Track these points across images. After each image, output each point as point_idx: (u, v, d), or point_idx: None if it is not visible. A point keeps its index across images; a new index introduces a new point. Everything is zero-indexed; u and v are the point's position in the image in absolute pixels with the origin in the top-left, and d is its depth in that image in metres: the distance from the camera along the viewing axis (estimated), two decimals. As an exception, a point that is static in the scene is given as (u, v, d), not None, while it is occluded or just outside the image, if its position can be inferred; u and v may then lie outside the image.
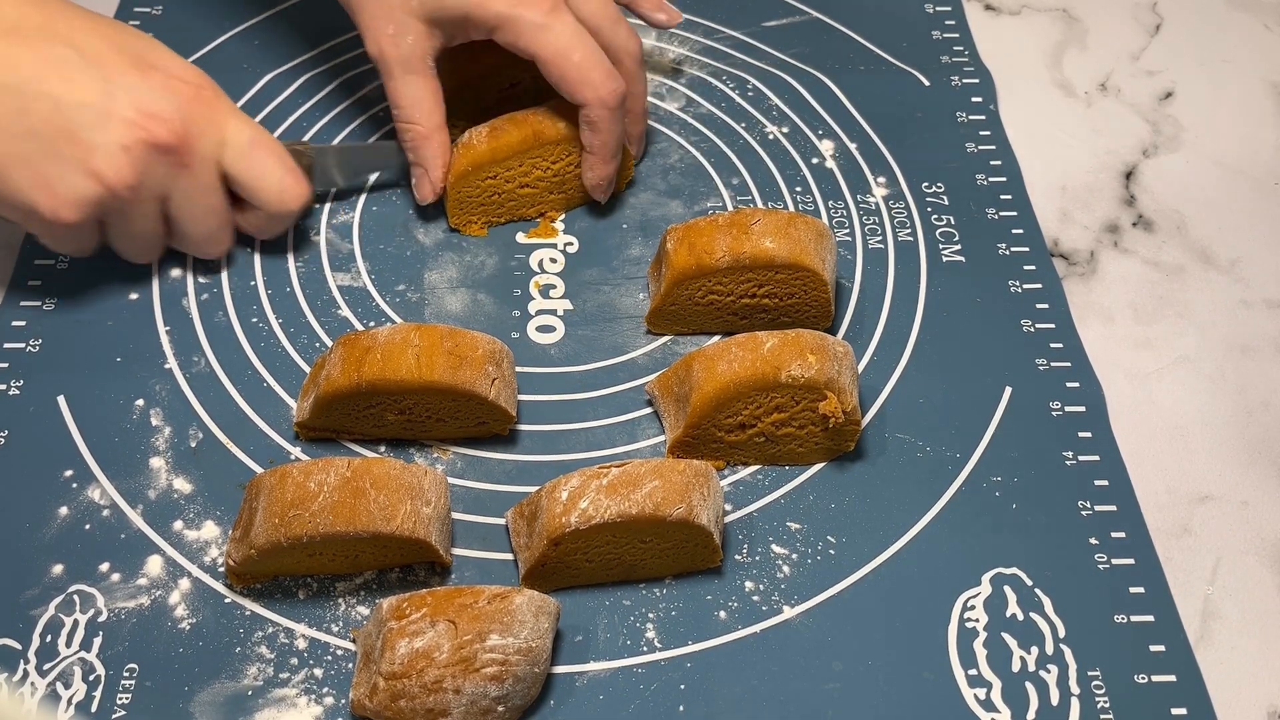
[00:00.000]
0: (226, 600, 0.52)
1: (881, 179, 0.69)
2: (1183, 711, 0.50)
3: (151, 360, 0.59)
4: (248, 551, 0.50)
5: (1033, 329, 0.62)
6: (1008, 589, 0.53)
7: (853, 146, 0.71)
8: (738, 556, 0.54)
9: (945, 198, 0.68)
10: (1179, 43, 0.79)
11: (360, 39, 0.64)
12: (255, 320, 0.61)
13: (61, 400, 0.58)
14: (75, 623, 0.51)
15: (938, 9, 0.80)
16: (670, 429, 0.57)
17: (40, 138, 0.54)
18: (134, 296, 0.62)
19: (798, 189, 0.69)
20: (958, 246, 0.66)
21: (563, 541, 0.50)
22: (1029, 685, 0.51)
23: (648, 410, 0.59)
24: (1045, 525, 0.55)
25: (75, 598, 0.51)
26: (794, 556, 0.54)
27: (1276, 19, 0.80)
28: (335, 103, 0.72)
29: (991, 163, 0.70)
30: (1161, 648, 0.52)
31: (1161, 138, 0.73)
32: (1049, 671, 0.51)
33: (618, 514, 0.50)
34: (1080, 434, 0.58)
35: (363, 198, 0.67)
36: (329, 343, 0.60)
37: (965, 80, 0.75)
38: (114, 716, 0.48)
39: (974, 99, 0.74)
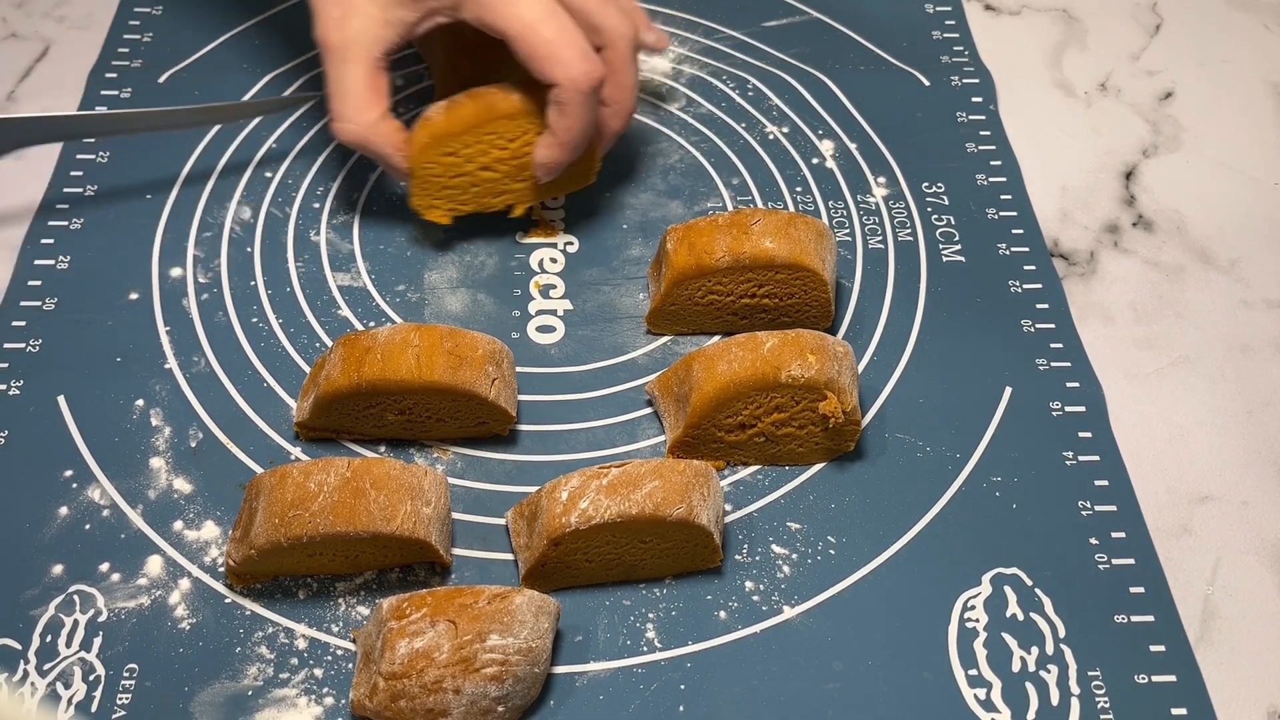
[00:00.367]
0: (226, 600, 0.52)
1: (881, 179, 0.69)
2: (1183, 711, 0.50)
3: (151, 360, 0.59)
4: (248, 551, 0.50)
5: (1033, 329, 0.62)
6: (1008, 589, 0.53)
7: (853, 146, 0.71)
8: (738, 556, 0.54)
9: (945, 198, 0.68)
10: (1179, 43, 0.79)
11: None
12: (255, 320, 0.61)
13: (61, 400, 0.58)
14: (75, 623, 0.51)
15: (938, 9, 0.80)
16: (670, 429, 0.57)
17: None
18: (134, 296, 0.62)
19: (798, 189, 0.69)
20: (958, 246, 0.66)
21: (563, 541, 0.50)
22: (1029, 685, 0.50)
23: (648, 410, 0.59)
24: (1045, 525, 0.55)
25: (75, 598, 0.51)
26: (794, 556, 0.54)
27: (1276, 19, 0.80)
28: (335, 103, 0.72)
29: (991, 163, 0.70)
30: (1161, 648, 0.52)
31: (1161, 138, 0.73)
32: (1049, 671, 0.51)
33: (618, 514, 0.50)
34: (1080, 434, 0.58)
35: (363, 197, 0.67)
36: (329, 343, 0.60)
37: (965, 80, 0.75)
38: (114, 716, 0.48)
39: (974, 99, 0.74)
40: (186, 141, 0.69)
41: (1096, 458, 0.57)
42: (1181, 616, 0.53)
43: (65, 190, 0.66)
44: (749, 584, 0.53)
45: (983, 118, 0.73)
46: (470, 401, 0.55)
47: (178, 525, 0.54)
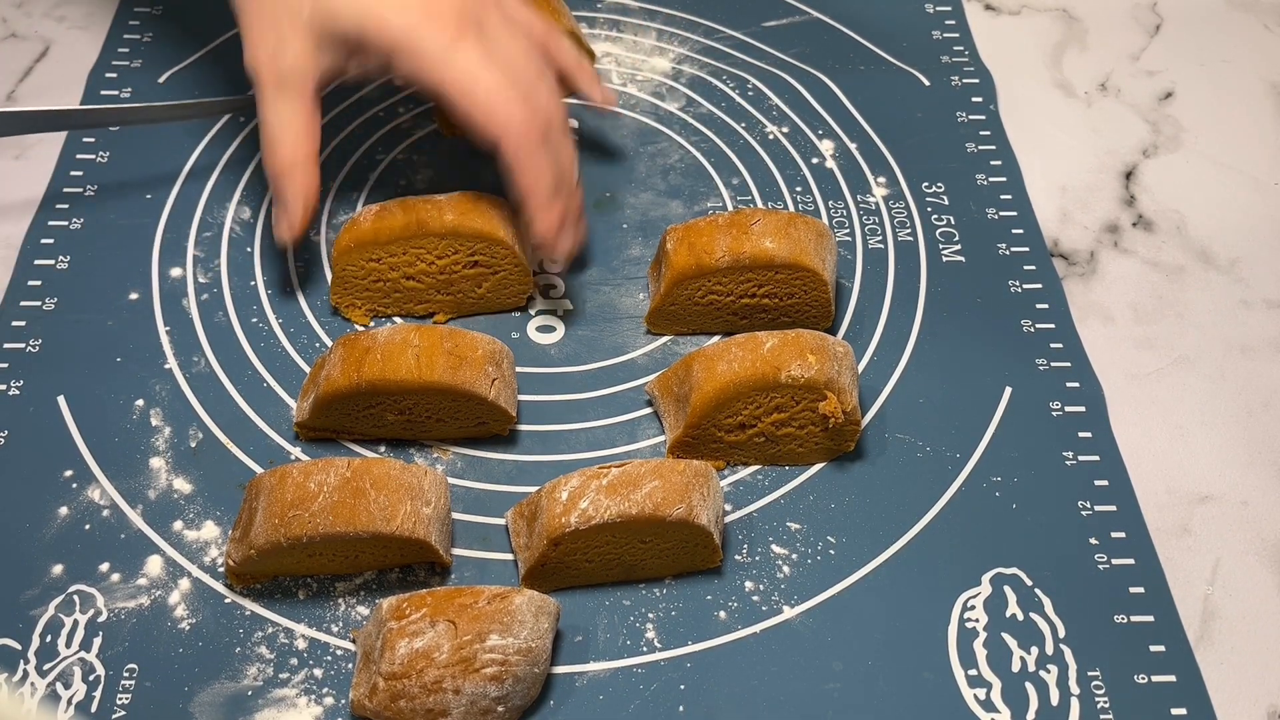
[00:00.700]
0: (226, 600, 0.52)
1: (881, 179, 0.69)
2: (1183, 711, 0.50)
3: (151, 360, 0.59)
4: (248, 551, 0.50)
5: (1033, 329, 0.62)
6: (1008, 589, 0.53)
7: (853, 146, 0.71)
8: (738, 556, 0.54)
9: (945, 198, 0.68)
10: (1179, 43, 0.79)
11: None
12: (255, 320, 0.61)
13: (61, 400, 0.58)
14: (75, 623, 0.51)
15: (938, 9, 0.80)
16: (670, 429, 0.57)
17: None
18: (134, 296, 0.62)
19: (798, 189, 0.69)
20: (958, 246, 0.66)
21: (563, 542, 0.50)
22: (1029, 685, 0.50)
23: (648, 410, 0.59)
24: (1045, 525, 0.55)
25: (75, 598, 0.51)
26: (794, 556, 0.54)
27: (1276, 19, 0.80)
28: (334, 103, 0.71)
29: (991, 163, 0.70)
30: (1161, 648, 0.52)
31: (1161, 138, 0.73)
32: (1049, 671, 0.51)
33: (618, 514, 0.50)
34: (1080, 434, 0.58)
35: (363, 197, 0.67)
36: (329, 343, 0.60)
37: (965, 80, 0.75)
38: (114, 716, 0.48)
39: (974, 99, 0.74)
40: (186, 141, 0.69)
41: (1096, 458, 0.57)
42: (1181, 616, 0.53)
43: (65, 190, 0.66)
44: (749, 584, 0.53)
45: (983, 118, 0.73)
46: (470, 401, 0.55)
47: (178, 525, 0.54)
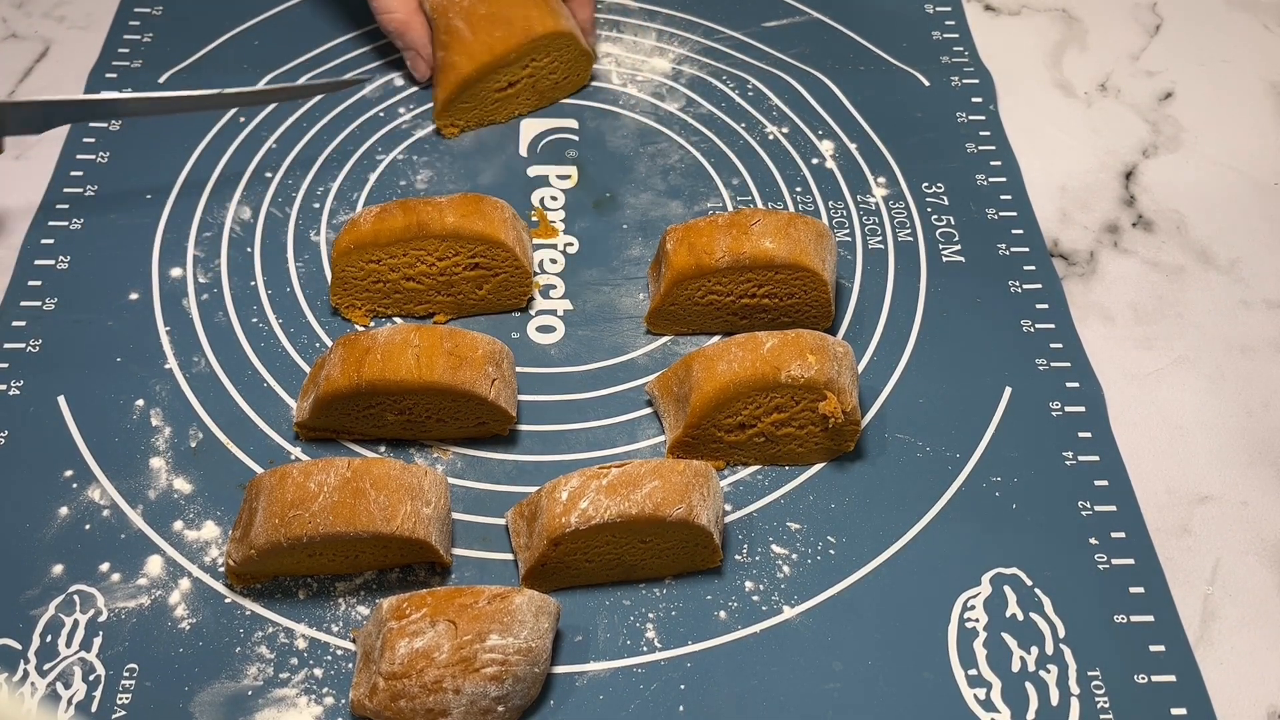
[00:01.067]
0: (226, 600, 0.52)
1: (881, 179, 0.69)
2: (1183, 711, 0.50)
3: (151, 360, 0.59)
4: (248, 551, 0.50)
5: (1033, 329, 0.62)
6: (1008, 589, 0.53)
7: (853, 146, 0.71)
8: (738, 556, 0.54)
9: (945, 198, 0.68)
10: (1179, 43, 0.79)
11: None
12: (255, 320, 0.61)
13: (61, 400, 0.58)
14: (75, 623, 0.51)
15: (938, 9, 0.80)
16: (670, 429, 0.57)
17: None
18: (134, 296, 0.62)
19: (798, 189, 0.69)
20: (958, 246, 0.66)
21: (563, 542, 0.50)
22: (1029, 685, 0.50)
23: (648, 410, 0.59)
24: (1045, 525, 0.55)
25: (75, 598, 0.51)
26: (794, 556, 0.54)
27: (1276, 19, 0.80)
28: (335, 103, 0.72)
29: (991, 163, 0.70)
30: (1161, 648, 0.52)
31: (1161, 138, 0.73)
32: (1049, 671, 0.51)
33: (618, 514, 0.50)
34: (1080, 434, 0.58)
35: (363, 197, 0.67)
36: (329, 343, 0.60)
37: (965, 80, 0.75)
38: (114, 716, 0.48)
39: (974, 99, 0.74)
40: (187, 142, 0.69)
41: (1096, 458, 0.57)
42: (1181, 616, 0.53)
43: (65, 190, 0.66)
44: (749, 584, 0.53)
45: (983, 118, 0.73)
46: (470, 401, 0.55)
47: (178, 525, 0.54)
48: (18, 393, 0.58)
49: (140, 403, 0.58)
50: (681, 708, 0.50)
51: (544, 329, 0.62)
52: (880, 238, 0.66)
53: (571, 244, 0.66)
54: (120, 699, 0.49)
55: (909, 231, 0.67)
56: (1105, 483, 0.57)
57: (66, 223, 0.65)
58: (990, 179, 0.69)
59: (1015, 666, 0.51)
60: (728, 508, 0.55)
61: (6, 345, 0.60)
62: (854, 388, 0.55)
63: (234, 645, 0.51)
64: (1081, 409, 0.59)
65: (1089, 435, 0.58)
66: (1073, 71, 0.77)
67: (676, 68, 0.75)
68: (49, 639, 0.50)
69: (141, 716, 0.48)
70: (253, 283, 0.63)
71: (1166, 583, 0.53)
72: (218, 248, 0.64)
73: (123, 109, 0.66)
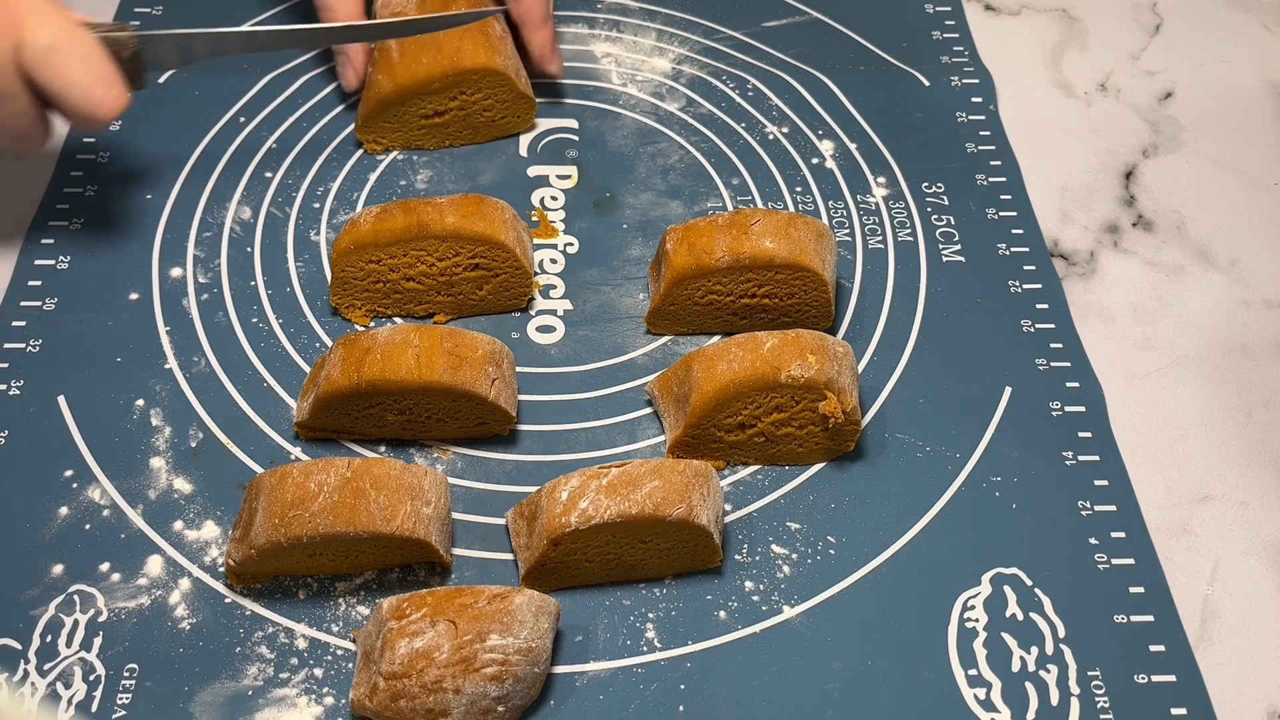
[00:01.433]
0: (226, 600, 0.52)
1: (881, 179, 0.69)
2: (1183, 711, 0.50)
3: (151, 360, 0.59)
4: (248, 551, 0.50)
5: (1033, 329, 0.62)
6: (1008, 589, 0.53)
7: (853, 146, 0.71)
8: (738, 556, 0.54)
9: (945, 198, 0.68)
10: (1179, 43, 0.79)
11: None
12: (255, 320, 0.61)
13: (61, 400, 0.58)
14: (75, 623, 0.51)
15: (938, 9, 0.80)
16: (670, 429, 0.57)
17: None
18: (134, 296, 0.62)
19: (798, 189, 0.69)
20: (958, 246, 0.66)
21: (563, 541, 0.50)
22: (1029, 685, 0.51)
23: (648, 410, 0.59)
24: (1045, 525, 0.55)
25: (75, 598, 0.51)
26: (794, 556, 0.54)
27: (1276, 19, 0.80)
28: (335, 103, 0.72)
29: (991, 163, 0.70)
30: (1161, 648, 0.52)
31: (1161, 138, 0.73)
32: (1049, 671, 0.51)
33: (618, 514, 0.50)
34: (1080, 434, 0.58)
35: (363, 197, 0.67)
36: (329, 343, 0.60)
37: (965, 80, 0.75)
38: (114, 716, 0.48)
39: (974, 99, 0.74)
40: (187, 142, 0.69)
41: (1096, 458, 0.57)
42: (1181, 616, 0.53)
43: (65, 190, 0.66)
44: (749, 584, 0.53)
45: (983, 118, 0.73)
46: (470, 401, 0.55)
47: (178, 525, 0.54)
48: (18, 393, 0.58)
49: (140, 403, 0.58)
50: (681, 708, 0.50)
51: (544, 329, 0.62)
52: (880, 238, 0.66)
53: (571, 244, 0.66)
54: (120, 699, 0.49)
55: (909, 231, 0.67)
56: (1105, 483, 0.57)
57: (66, 223, 0.65)
58: (990, 179, 0.69)
59: (1015, 666, 0.51)
60: (728, 508, 0.55)
61: (6, 345, 0.60)
62: (854, 388, 0.55)
63: (234, 645, 0.51)
64: (1081, 409, 0.59)
65: (1089, 435, 0.58)
66: (1073, 71, 0.77)
67: (676, 68, 0.75)
68: (49, 639, 0.50)
69: (141, 716, 0.48)
70: (253, 283, 0.63)
71: (1166, 583, 0.54)
72: (218, 248, 0.64)
73: (259, 42, 0.65)
